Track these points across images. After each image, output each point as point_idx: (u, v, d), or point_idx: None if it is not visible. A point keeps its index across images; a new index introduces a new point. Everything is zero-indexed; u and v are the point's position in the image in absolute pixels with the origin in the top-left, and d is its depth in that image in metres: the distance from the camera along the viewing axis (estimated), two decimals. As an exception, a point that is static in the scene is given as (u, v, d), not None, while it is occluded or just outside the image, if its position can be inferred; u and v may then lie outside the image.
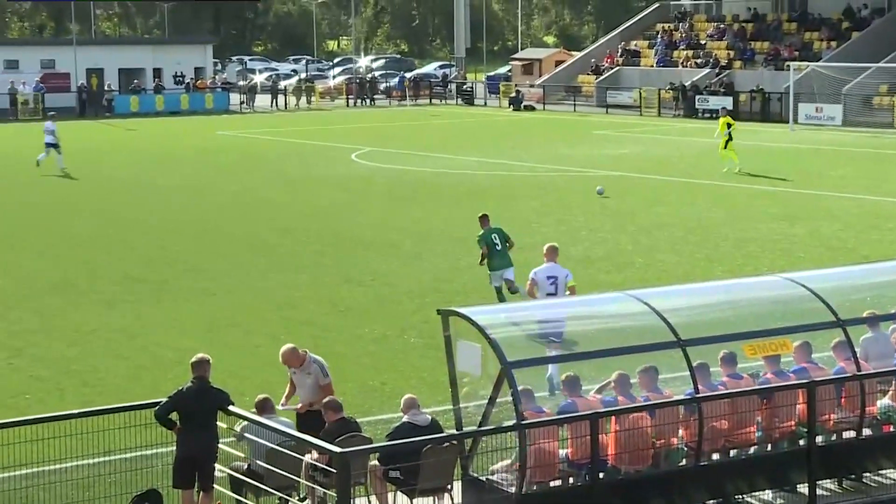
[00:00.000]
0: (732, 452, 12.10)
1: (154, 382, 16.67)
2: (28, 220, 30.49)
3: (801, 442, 12.10)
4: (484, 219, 20.68)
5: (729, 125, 38.28)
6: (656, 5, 76.96)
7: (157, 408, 11.77)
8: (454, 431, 11.90)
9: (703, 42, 69.34)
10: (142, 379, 16.95)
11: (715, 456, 11.96)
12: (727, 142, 38.39)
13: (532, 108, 68.02)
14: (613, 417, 11.40)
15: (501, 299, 19.79)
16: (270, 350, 18.30)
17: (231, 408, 11.82)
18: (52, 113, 46.16)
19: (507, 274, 20.16)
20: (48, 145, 41.27)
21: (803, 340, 12.58)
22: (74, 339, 19.04)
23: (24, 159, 44.21)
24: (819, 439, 12.15)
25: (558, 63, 76.34)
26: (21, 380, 16.95)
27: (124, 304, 21.35)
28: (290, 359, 13.07)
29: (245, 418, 11.75)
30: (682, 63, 68.05)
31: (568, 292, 16.70)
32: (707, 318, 12.70)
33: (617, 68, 70.57)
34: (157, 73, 72.25)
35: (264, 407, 12.19)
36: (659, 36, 71.53)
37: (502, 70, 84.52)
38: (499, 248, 20.35)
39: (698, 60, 67.48)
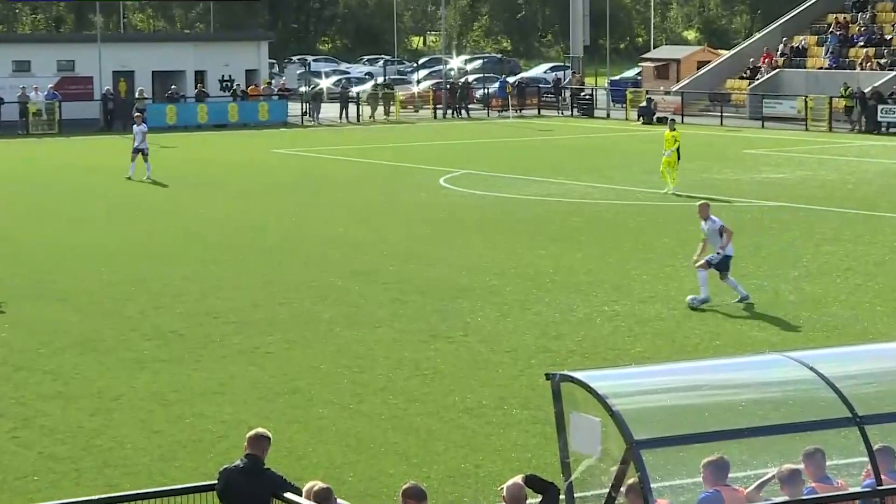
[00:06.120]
0: (924, 560, 11.94)
1: (193, 462, 16.90)
2: (45, 262, 31.08)
3: None
4: None
5: (676, 141, 40.90)
6: (828, -10, 76.60)
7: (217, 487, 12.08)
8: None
9: (888, 37, 68.72)
10: (178, 458, 17.19)
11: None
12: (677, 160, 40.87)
13: (667, 121, 67.89)
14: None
15: None
16: (338, 423, 18.53)
17: (287, 495, 11.97)
18: (138, 114, 50.09)
19: None
20: (135, 150, 46.01)
21: None
22: (96, 408, 19.37)
23: (37, 185, 45.15)
24: None
25: (701, 64, 76.25)
26: (29, 457, 17.27)
27: (158, 365, 21.69)
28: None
29: (304, 509, 11.87)
30: (861, 64, 67.52)
31: None
32: (891, 389, 12.56)
33: (776, 71, 70.27)
34: (200, 76, 73.45)
35: (325, 499, 12.20)
36: (831, 30, 71.09)
37: (630, 73, 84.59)
38: None
39: (881, 61, 66.88)
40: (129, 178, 45.35)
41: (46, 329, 24.19)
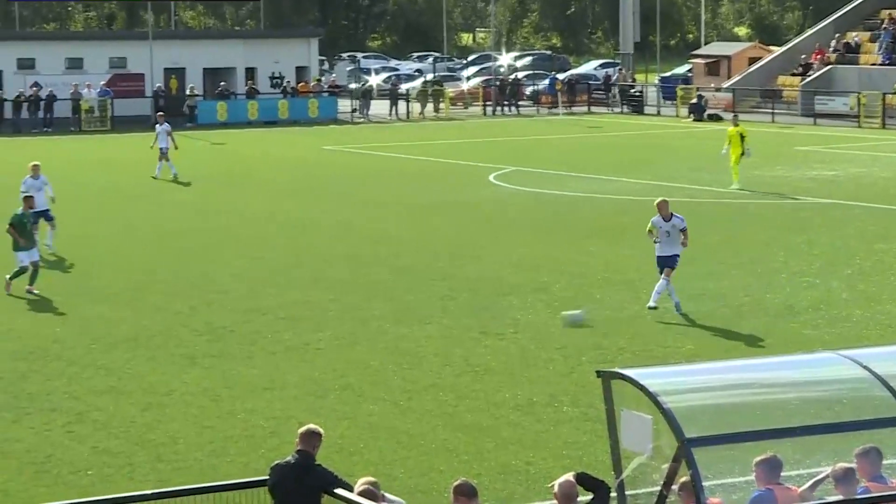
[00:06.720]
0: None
1: (244, 457, 16.99)
2: (94, 257, 31.30)
3: None
4: (29, 200, 27.84)
5: (743, 136, 41.01)
6: (881, -14, 76.10)
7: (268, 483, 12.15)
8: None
9: (941, 33, 68.21)
10: (229, 453, 17.28)
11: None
12: (741, 155, 41.03)
13: (718, 118, 67.72)
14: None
15: (18, 275, 26.90)
16: (387, 419, 18.58)
17: (338, 491, 12.00)
18: (161, 113, 49.55)
19: (35, 256, 27.22)
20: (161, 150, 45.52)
21: None
22: (148, 403, 19.51)
23: (86, 183, 45.45)
24: None
25: (752, 61, 75.90)
26: (83, 451, 17.43)
27: (208, 360, 21.80)
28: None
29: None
30: (914, 60, 67.01)
31: None
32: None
33: (829, 67, 69.82)
34: (250, 73, 73.73)
35: (371, 497, 12.20)
36: (884, 26, 70.59)
37: (680, 70, 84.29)
38: (28, 229, 27.23)
39: (935, 57, 66.36)
40: (174, 179, 45.25)
41: (98, 325, 24.36)
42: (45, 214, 31.10)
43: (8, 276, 26.94)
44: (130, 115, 67.13)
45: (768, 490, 11.52)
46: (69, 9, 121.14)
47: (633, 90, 76.90)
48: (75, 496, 14.60)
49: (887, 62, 68.18)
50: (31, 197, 28.22)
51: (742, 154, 40.79)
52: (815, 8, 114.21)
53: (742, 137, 40.80)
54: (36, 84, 67.53)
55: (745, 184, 40.96)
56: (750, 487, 11.86)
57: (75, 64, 70.82)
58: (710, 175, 43.76)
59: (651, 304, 24.64)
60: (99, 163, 51.94)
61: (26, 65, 70.01)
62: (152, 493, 12.29)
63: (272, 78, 74.32)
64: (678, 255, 24.95)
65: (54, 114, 66.09)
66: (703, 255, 30.10)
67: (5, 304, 26.10)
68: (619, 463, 11.96)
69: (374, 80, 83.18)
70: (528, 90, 78.82)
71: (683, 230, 24.88)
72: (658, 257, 25.05)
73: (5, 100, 67.04)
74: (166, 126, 46.30)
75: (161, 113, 50.24)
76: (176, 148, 45.91)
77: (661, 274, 24.88)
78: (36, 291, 26.81)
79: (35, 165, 31.81)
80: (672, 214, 25.03)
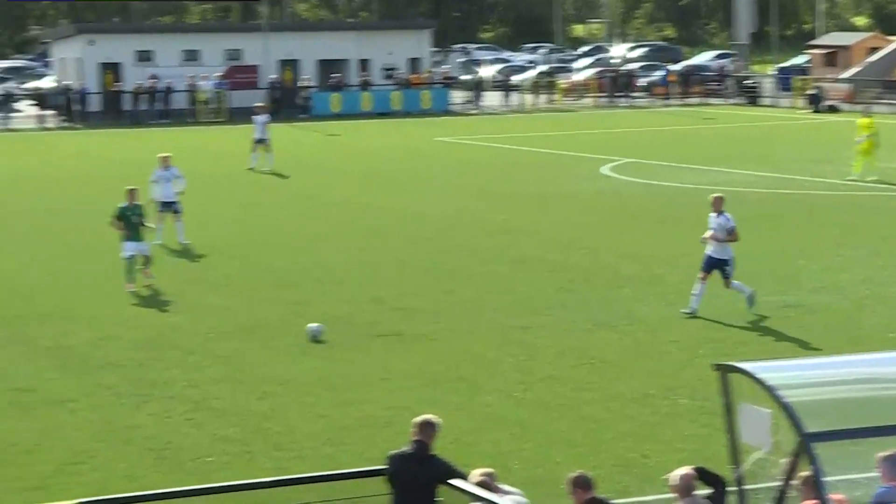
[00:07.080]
0: None
1: (359, 447, 17.08)
2: (209, 250, 31.64)
3: None
4: (133, 192, 27.26)
5: (868, 128, 40.90)
6: None
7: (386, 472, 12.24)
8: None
9: None
10: (345, 442, 17.39)
11: None
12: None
13: (836, 110, 66.92)
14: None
15: (129, 270, 26.77)
16: (503, 410, 18.59)
17: (455, 481, 12.03)
18: (260, 104, 49.64)
19: (143, 248, 27.22)
20: (256, 141, 45.88)
21: None
22: (265, 392, 19.69)
23: (202, 173, 45.97)
24: None
25: (872, 51, 74.83)
26: (203, 439, 17.64)
27: (324, 351, 21.96)
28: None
29: (471, 494, 11.92)
30: None
31: None
32: None
33: (950, 57, 68.70)
34: (364, 65, 74.14)
35: (487, 488, 12.20)
36: None
37: (797, 61, 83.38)
38: (133, 221, 27.00)
39: None
40: (251, 169, 45.49)
41: (213, 314, 24.62)
42: (174, 206, 31.46)
43: (127, 285, 26.68)
44: (246, 107, 67.68)
45: (893, 487, 11.37)
46: (185, 1, 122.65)
47: (748, 81, 76.22)
48: (196, 482, 14.77)
49: None
50: (135, 189, 27.63)
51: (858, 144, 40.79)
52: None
53: (867, 129, 40.58)
54: (154, 76, 68.55)
55: (866, 176, 40.38)
56: (873, 484, 11.72)
57: (192, 56, 71.82)
58: (831, 167, 43.28)
59: (750, 307, 23.79)
60: (215, 154, 52.52)
61: (144, 57, 71.10)
62: (272, 481, 12.38)
63: (385, 69, 74.64)
64: (729, 260, 23.86)
65: (171, 105, 67.06)
66: (822, 247, 29.78)
67: (124, 294, 26.46)
68: (737, 457, 11.86)
69: (486, 72, 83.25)
70: (642, 81, 78.44)
71: (730, 230, 23.74)
72: (707, 255, 24.00)
73: (124, 91, 68.10)
74: (265, 117, 46.53)
75: (260, 104, 50.28)
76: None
77: (703, 271, 23.88)
78: (153, 276, 27.12)
79: (165, 157, 31.89)
80: (722, 212, 23.99)
